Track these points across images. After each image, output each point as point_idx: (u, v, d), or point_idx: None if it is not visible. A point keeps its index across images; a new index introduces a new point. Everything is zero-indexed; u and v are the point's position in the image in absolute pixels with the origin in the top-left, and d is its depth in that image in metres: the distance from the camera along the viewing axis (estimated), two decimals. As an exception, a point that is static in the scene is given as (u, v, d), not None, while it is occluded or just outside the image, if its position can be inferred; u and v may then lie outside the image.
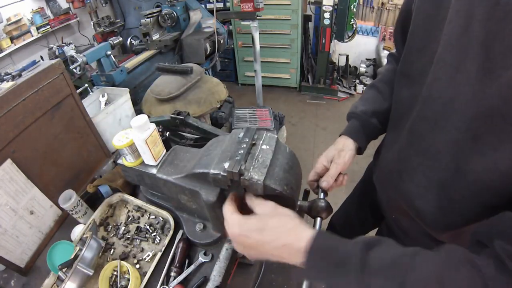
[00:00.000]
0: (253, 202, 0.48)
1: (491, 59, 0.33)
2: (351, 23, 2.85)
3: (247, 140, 0.55)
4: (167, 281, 0.72)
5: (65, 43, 1.95)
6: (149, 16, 2.01)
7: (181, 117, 0.99)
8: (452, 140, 0.42)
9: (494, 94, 0.34)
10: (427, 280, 0.32)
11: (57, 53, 1.89)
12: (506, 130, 0.35)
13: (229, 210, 0.47)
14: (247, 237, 0.42)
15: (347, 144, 0.66)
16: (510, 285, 0.29)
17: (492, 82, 0.34)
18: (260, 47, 2.14)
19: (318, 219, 0.55)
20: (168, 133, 1.01)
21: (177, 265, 0.73)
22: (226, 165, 0.51)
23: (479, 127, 0.38)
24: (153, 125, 0.69)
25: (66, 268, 0.70)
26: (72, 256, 0.72)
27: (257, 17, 1.95)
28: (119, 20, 3.02)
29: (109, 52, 1.62)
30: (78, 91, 1.31)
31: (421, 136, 0.47)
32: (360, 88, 3.28)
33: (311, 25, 3.25)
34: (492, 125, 0.36)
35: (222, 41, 2.23)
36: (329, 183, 0.60)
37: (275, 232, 0.40)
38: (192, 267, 0.74)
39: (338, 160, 0.63)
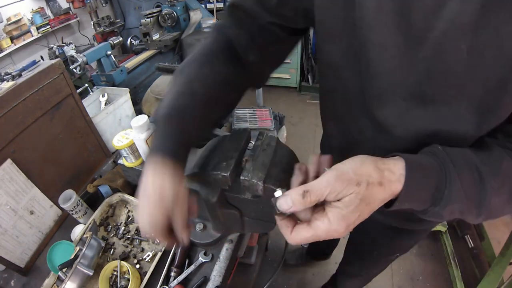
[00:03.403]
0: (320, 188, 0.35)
1: (412, 26, 0.34)
2: (351, 23, 2.85)
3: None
4: (167, 281, 0.72)
5: (65, 43, 1.95)
6: (149, 16, 2.01)
7: (181, 117, 0.99)
8: (402, 110, 0.42)
9: (427, 58, 0.35)
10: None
11: (57, 53, 1.89)
12: (452, 89, 0.36)
13: (307, 231, 0.35)
14: (354, 225, 0.35)
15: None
16: None
17: (422, 47, 0.34)
18: (260, 47, 2.14)
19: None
20: (168, 133, 1.01)
21: (177, 265, 0.73)
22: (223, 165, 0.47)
23: (424, 92, 0.38)
24: (153, 125, 0.69)
25: (66, 268, 0.70)
26: (72, 256, 0.72)
27: (257, 17, 1.95)
28: (119, 20, 3.02)
29: (109, 52, 1.63)
30: (78, 91, 1.31)
31: (374, 113, 0.46)
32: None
33: (311, 25, 3.25)
34: (436, 87, 0.37)
35: (222, 41, 2.22)
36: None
37: (378, 198, 0.34)
38: (192, 267, 0.74)
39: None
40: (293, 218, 0.38)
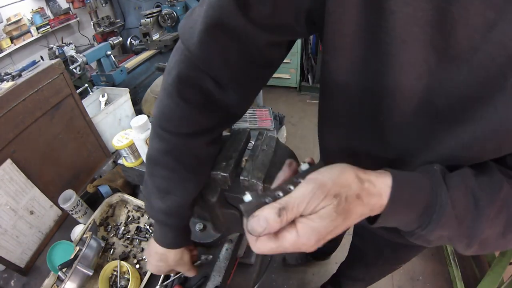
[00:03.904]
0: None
1: (452, 45, 0.30)
2: (351, 23, 2.84)
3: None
4: (167, 281, 0.72)
5: (65, 43, 1.95)
6: (149, 16, 2.01)
7: (181, 117, 0.99)
8: (427, 133, 0.40)
9: (467, 83, 0.31)
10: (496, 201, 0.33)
11: (57, 53, 1.89)
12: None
13: (274, 241, 0.32)
14: (325, 240, 0.32)
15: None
16: None
17: (462, 70, 0.31)
18: (260, 47, 2.14)
19: None
20: (168, 133, 1.01)
21: (177, 265, 0.73)
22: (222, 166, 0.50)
23: (456, 117, 0.36)
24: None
25: (66, 268, 0.70)
26: (72, 256, 0.72)
27: (257, 17, 1.95)
28: (119, 20, 3.02)
29: (109, 52, 1.63)
30: (78, 91, 1.31)
31: (390, 133, 0.44)
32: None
33: (311, 25, 3.25)
34: (470, 114, 0.34)
35: (222, 41, 2.22)
36: None
37: (355, 212, 0.31)
38: (192, 267, 0.74)
39: None
40: None
